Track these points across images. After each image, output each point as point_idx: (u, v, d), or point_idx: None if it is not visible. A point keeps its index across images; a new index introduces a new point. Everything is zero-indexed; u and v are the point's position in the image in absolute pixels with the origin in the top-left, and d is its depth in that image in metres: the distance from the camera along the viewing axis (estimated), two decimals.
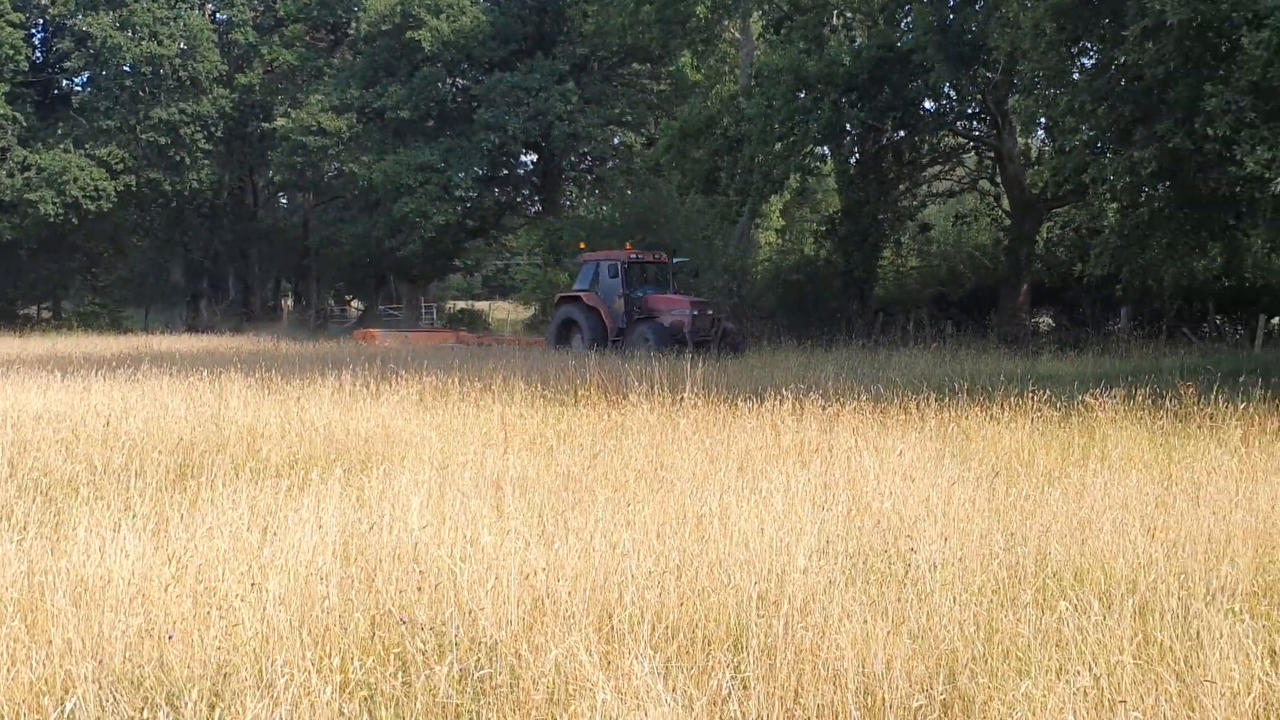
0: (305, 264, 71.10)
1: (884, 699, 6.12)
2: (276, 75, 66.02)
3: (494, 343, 44.46)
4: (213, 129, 63.29)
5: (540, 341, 41.41)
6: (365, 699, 6.24)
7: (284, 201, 79.26)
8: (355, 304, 79.45)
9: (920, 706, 6.07)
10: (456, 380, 20.01)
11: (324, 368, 23.27)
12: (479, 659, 6.53)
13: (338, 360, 26.06)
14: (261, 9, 67.45)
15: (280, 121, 59.74)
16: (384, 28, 57.98)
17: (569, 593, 7.25)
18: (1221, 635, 6.47)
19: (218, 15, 66.62)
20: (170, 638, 6.66)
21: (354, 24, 61.94)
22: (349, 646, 6.68)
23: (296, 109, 60.01)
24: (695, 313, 36.26)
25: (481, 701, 6.20)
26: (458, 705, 6.15)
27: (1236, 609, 7.02)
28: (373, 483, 10.81)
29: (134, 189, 61.44)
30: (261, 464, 12.67)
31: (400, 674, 6.40)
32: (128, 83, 61.35)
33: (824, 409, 15.76)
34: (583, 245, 43.04)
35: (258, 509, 9.69)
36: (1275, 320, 38.08)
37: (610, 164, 64.47)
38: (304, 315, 70.92)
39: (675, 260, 40.25)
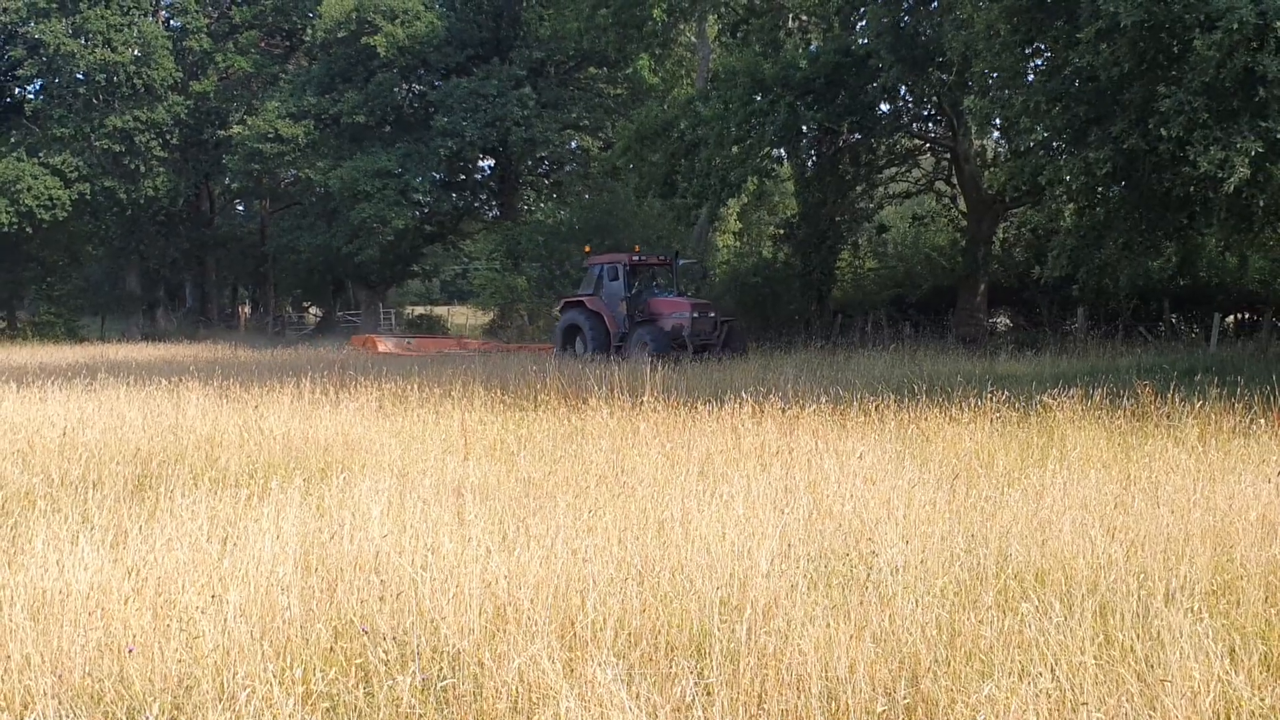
0: (262, 271, 70.75)
1: (847, 703, 6.13)
2: (232, 82, 65.70)
3: (500, 349, 42.71)
4: (168, 136, 62.88)
5: (550, 347, 40.21)
6: (328, 710, 6.21)
7: (240, 208, 78.87)
8: (313, 310, 79.10)
9: (884, 710, 6.08)
10: (416, 386, 19.95)
11: (282, 375, 23.16)
12: (441, 668, 6.51)
13: (296, 368, 25.93)
14: (216, 16, 67.10)
15: (236, 128, 59.42)
16: (339, 34, 57.71)
17: (531, 600, 7.24)
18: (1181, 635, 6.51)
19: (172, 22, 66.18)
20: (130, 651, 6.61)
21: (309, 30, 61.65)
22: (311, 658, 6.65)
23: (252, 115, 59.72)
24: (696, 315, 35.27)
25: (445, 711, 6.18)
26: (421, 715, 6.13)
27: (1196, 608, 7.07)
28: (333, 491, 10.75)
29: (89, 197, 60.99)
30: (220, 474, 12.59)
31: (363, 685, 6.37)
32: (81, 90, 60.88)
33: (784, 411, 15.79)
34: (588, 249, 42.03)
35: (217, 519, 9.63)
36: (1230, 319, 38.42)
37: (568, 168, 64.46)
38: (261, 322, 70.61)
39: (681, 261, 39.35)
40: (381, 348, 43.36)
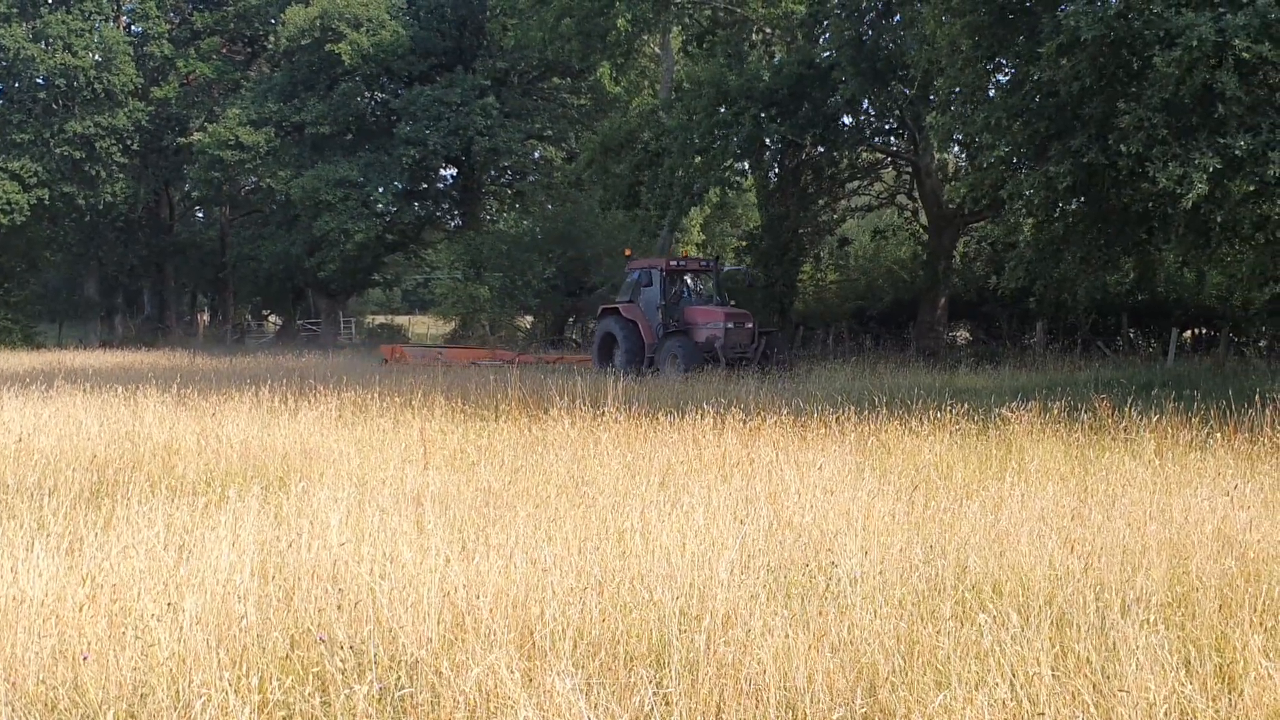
0: (221, 278, 70.42)
1: (805, 713, 6.14)
2: (193, 88, 65.39)
3: (541, 361, 39.52)
4: (128, 142, 62.54)
5: (589, 359, 37.21)
6: (284, 719, 6.17)
7: (200, 216, 78.50)
8: (273, 319, 78.78)
9: (841, 719, 6.09)
10: (376, 395, 19.88)
11: (241, 383, 23.04)
12: (399, 678, 6.48)
13: (255, 376, 25.79)
14: (178, 21, 66.79)
15: (197, 135, 59.16)
16: (303, 41, 57.58)
17: (490, 610, 7.21)
18: (1137, 646, 6.54)
19: (133, 27, 65.87)
20: (85, 659, 6.56)
21: (272, 37, 61.44)
22: (267, 666, 6.60)
23: (213, 123, 59.46)
24: (730, 325, 32.60)
25: None
26: None
27: (1151, 620, 7.11)
28: (291, 500, 10.69)
29: (47, 203, 60.59)
30: (178, 481, 12.51)
31: (319, 694, 6.34)
32: (41, 95, 60.55)
33: (745, 423, 15.82)
34: (628, 251, 39.43)
35: (174, 527, 9.56)
36: (1187, 334, 38.71)
37: (531, 178, 64.44)
38: (220, 330, 70.28)
39: (726, 268, 37.14)
40: (410, 359, 40.90)
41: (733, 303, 36.44)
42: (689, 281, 35.63)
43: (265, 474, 12.92)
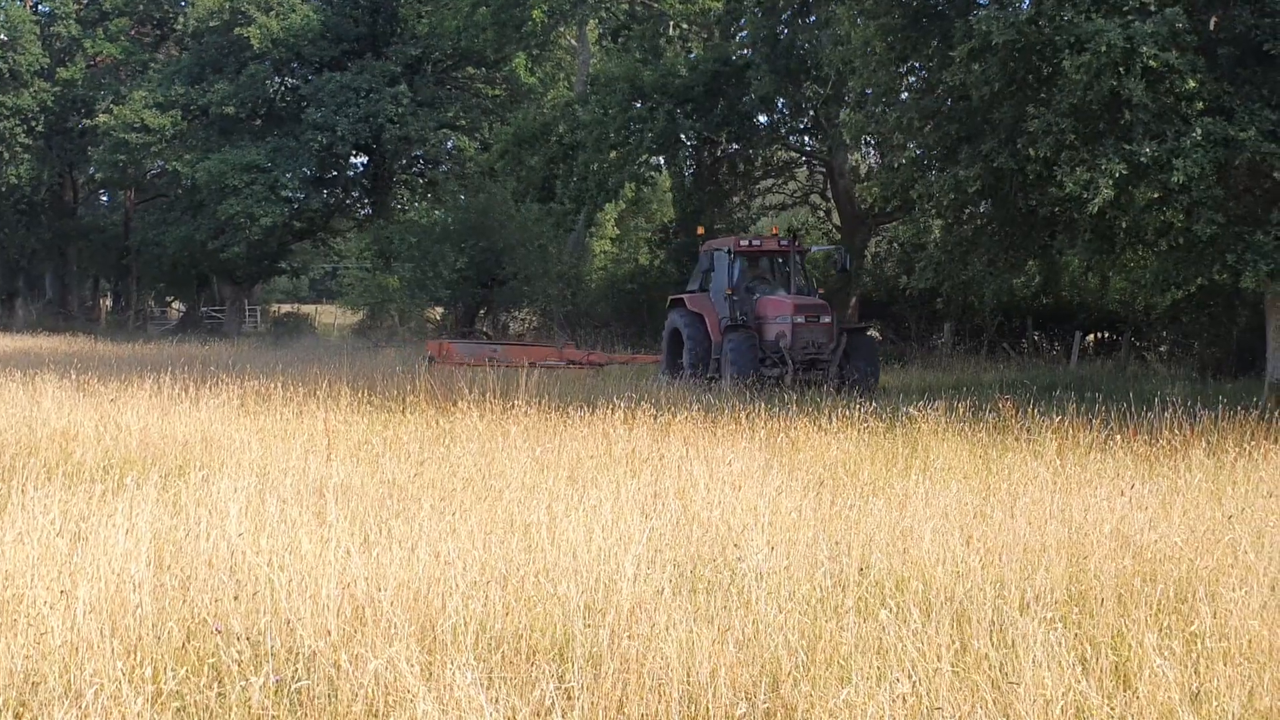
0: (125, 264, 69.25)
1: (707, 707, 6.13)
2: (100, 70, 64.27)
3: (608, 362, 32.63)
4: (33, 123, 61.36)
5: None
6: (178, 710, 6.08)
7: (104, 199, 77.16)
8: (176, 306, 77.68)
9: (743, 714, 6.09)
10: (280, 385, 19.64)
11: (142, 370, 22.67)
12: (296, 670, 6.40)
13: (157, 363, 25.41)
14: (85, 1, 65.63)
15: (103, 117, 58.11)
16: (211, 24, 56.76)
17: (391, 602, 7.14)
18: (1035, 643, 6.61)
19: (40, 6, 64.65)
20: None
21: (181, 19, 60.53)
22: (161, 656, 6.50)
23: (119, 104, 58.43)
24: (801, 320, 25.91)
25: (298, 713, 6.09)
26: (273, 717, 6.02)
27: (1050, 617, 7.18)
28: (190, 489, 10.53)
29: None
30: (75, 468, 12.29)
31: (215, 685, 6.25)
32: None
33: (656, 418, 15.81)
34: (700, 230, 32.91)
35: (70, 514, 9.38)
36: (1090, 337, 39.29)
37: (443, 168, 63.98)
38: (123, 316, 69.21)
39: (814, 248, 32.02)
40: (457, 357, 33.47)
41: (821, 291, 29.64)
42: (779, 265, 29.23)
43: (164, 462, 12.74)
